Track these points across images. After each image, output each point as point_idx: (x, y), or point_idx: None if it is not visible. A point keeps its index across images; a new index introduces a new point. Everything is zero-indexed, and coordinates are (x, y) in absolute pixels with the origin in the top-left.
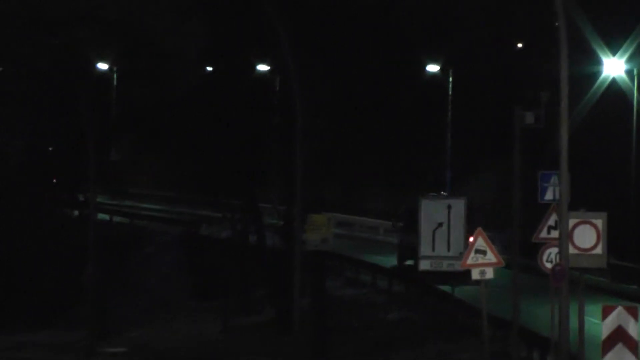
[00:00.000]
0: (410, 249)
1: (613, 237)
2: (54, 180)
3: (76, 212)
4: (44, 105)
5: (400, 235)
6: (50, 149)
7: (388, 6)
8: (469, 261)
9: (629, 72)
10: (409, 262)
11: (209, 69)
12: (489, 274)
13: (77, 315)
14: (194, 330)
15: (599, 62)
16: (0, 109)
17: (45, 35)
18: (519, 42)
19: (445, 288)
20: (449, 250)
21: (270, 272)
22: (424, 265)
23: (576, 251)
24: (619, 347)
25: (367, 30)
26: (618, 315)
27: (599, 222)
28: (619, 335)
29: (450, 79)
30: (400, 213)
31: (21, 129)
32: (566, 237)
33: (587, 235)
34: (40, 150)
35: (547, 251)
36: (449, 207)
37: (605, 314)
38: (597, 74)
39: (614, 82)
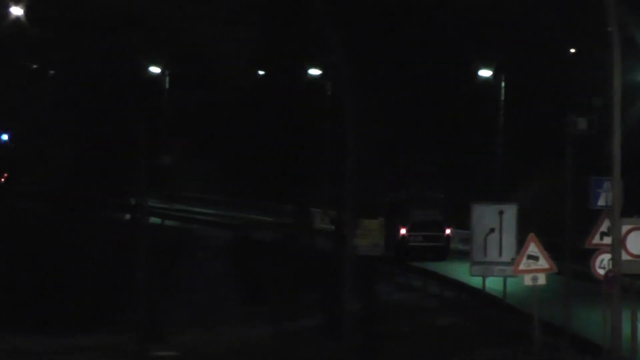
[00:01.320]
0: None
1: None
2: (105, 184)
3: (127, 216)
4: (95, 109)
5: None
6: (101, 153)
7: (441, 10)
8: (521, 267)
9: None
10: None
11: (260, 73)
12: (542, 280)
13: (128, 318)
14: (244, 334)
15: None
16: (51, 113)
17: (97, 40)
18: (572, 48)
19: (497, 293)
20: (500, 255)
21: (321, 277)
22: (475, 271)
23: (629, 257)
24: None
25: (419, 34)
26: None
27: None
28: None
29: (503, 84)
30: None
31: (72, 133)
32: (619, 244)
33: None
34: (91, 154)
35: (600, 257)
36: (501, 212)
37: None
38: None
39: None
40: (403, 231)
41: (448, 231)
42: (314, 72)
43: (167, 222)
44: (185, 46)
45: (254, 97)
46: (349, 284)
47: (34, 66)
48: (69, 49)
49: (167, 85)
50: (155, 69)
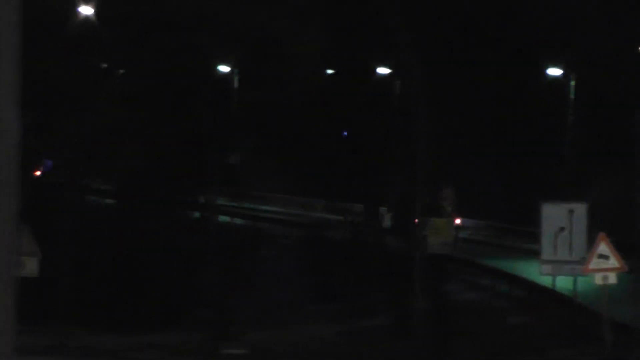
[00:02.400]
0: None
1: None
2: (175, 183)
3: (197, 214)
4: (164, 108)
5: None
6: (171, 151)
7: (510, 9)
8: (592, 266)
9: None
10: None
11: (330, 72)
12: (612, 279)
13: (198, 317)
14: (314, 333)
15: None
16: (121, 112)
17: (166, 39)
18: None
19: (567, 292)
20: (570, 254)
21: (390, 276)
22: (545, 269)
23: None
24: None
25: (488, 33)
26: None
27: None
28: None
29: (572, 83)
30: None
31: (142, 132)
32: None
33: None
34: (161, 153)
35: None
36: (571, 211)
37: None
38: None
39: None
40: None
41: (458, 221)
42: (384, 71)
43: (236, 221)
44: (255, 45)
45: (323, 96)
46: (419, 283)
47: (104, 65)
48: (138, 48)
49: (236, 84)
50: (224, 68)
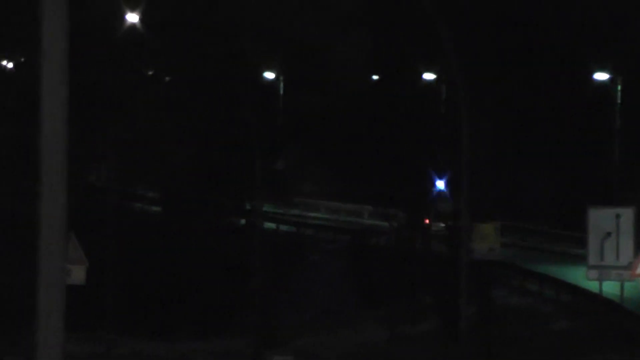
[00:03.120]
0: None
1: None
2: (222, 189)
3: (243, 221)
4: (211, 115)
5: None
6: (217, 157)
7: (556, 13)
8: (639, 271)
9: None
10: None
11: (375, 77)
12: None
13: (244, 323)
14: (360, 338)
15: None
16: (168, 118)
17: (213, 45)
18: None
19: (614, 297)
20: (617, 259)
21: (436, 281)
22: (592, 275)
23: None
24: None
25: (534, 38)
26: None
27: None
28: None
29: (619, 87)
30: None
31: (189, 138)
32: None
33: None
34: (207, 159)
35: None
36: (618, 216)
37: None
38: None
39: None
40: (427, 221)
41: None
42: (429, 76)
43: (282, 227)
44: (301, 51)
45: (368, 102)
46: (465, 288)
47: (150, 72)
48: (185, 55)
49: (281, 90)
50: (270, 74)
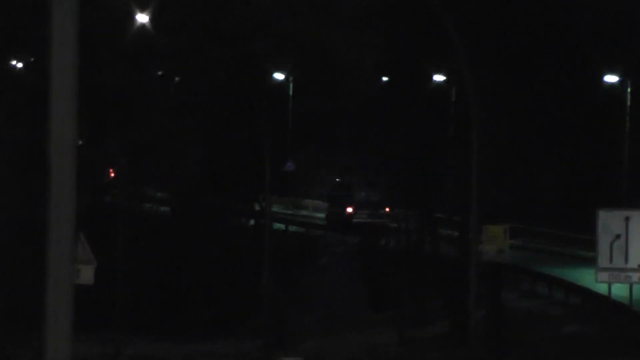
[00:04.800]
0: (334, 216)
1: None
2: (231, 191)
3: (252, 222)
4: (221, 117)
5: (328, 207)
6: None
7: (565, 16)
8: None
9: None
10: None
11: (385, 79)
12: None
13: (254, 325)
14: (370, 341)
15: None
16: (177, 120)
17: (222, 47)
18: None
19: (623, 300)
20: (627, 262)
21: (445, 284)
22: (601, 277)
23: None
24: None
25: (543, 40)
26: None
27: None
28: None
29: (629, 90)
30: (329, 191)
31: (198, 140)
32: None
33: None
34: (217, 161)
35: None
36: (627, 218)
37: None
38: None
39: None
40: (350, 209)
41: (388, 210)
42: (439, 78)
43: (291, 228)
44: (310, 53)
45: (378, 104)
46: (475, 291)
47: (159, 73)
48: (195, 56)
49: (291, 92)
50: (279, 76)
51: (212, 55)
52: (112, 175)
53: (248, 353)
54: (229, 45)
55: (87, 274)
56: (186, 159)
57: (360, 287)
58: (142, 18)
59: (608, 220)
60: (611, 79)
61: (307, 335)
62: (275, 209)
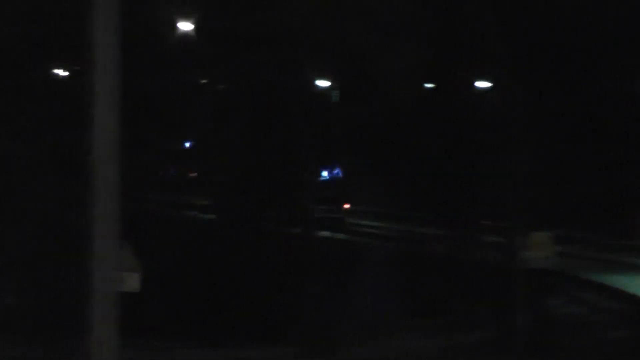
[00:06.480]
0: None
1: None
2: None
3: (297, 229)
4: (264, 124)
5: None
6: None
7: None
8: None
9: None
10: None
11: (428, 86)
12: None
13: (296, 331)
14: (412, 347)
15: None
16: (219, 127)
17: (265, 54)
18: None
19: None
20: None
21: (490, 290)
22: None
23: None
24: None
25: (588, 47)
26: None
27: None
28: None
29: None
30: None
31: (240, 147)
32: None
33: None
34: (260, 168)
35: None
36: None
37: None
38: None
39: None
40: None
41: (347, 206)
42: (483, 84)
43: (336, 235)
44: (353, 59)
45: (422, 110)
46: (520, 297)
47: (202, 81)
48: (237, 63)
49: (334, 99)
50: (322, 83)
51: (253, 62)
52: (157, 181)
53: (289, 358)
54: (271, 51)
55: (132, 281)
56: (230, 166)
57: (404, 293)
58: (185, 26)
59: None
60: None
61: (349, 341)
62: (321, 215)
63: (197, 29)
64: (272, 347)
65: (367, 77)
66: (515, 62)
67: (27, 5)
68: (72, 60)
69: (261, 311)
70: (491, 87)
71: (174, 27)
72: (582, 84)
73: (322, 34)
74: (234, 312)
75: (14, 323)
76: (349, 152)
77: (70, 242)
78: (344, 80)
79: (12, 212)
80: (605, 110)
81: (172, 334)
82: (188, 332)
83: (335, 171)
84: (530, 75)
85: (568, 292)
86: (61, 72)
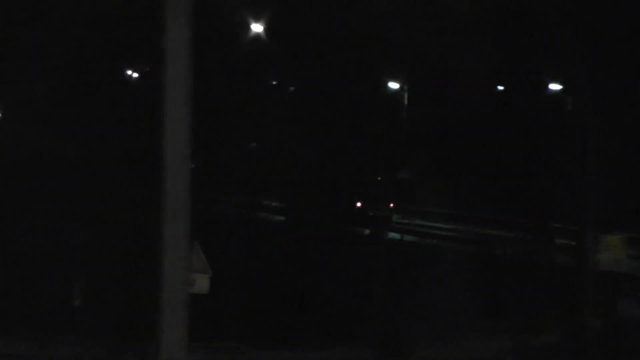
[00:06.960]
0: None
1: None
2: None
3: (367, 231)
4: (336, 125)
5: None
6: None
7: None
8: None
9: None
10: None
11: (500, 88)
12: None
13: (368, 333)
14: (483, 349)
15: None
16: (290, 128)
17: (337, 55)
18: None
19: None
20: None
21: (561, 293)
22: None
23: None
24: None
25: None
26: None
27: None
28: None
29: None
30: None
31: (313, 149)
32: None
33: None
34: (332, 170)
35: None
36: None
37: None
38: None
39: None
40: (359, 204)
41: (392, 205)
42: (555, 86)
43: (407, 238)
44: (425, 61)
45: (493, 112)
46: (590, 300)
47: (274, 82)
48: (309, 65)
49: (405, 101)
50: (394, 85)
51: (326, 63)
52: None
53: None
54: (343, 53)
55: (202, 283)
56: (300, 167)
57: (474, 295)
58: (257, 27)
59: None
60: None
61: (420, 344)
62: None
63: (269, 30)
64: (346, 349)
65: (438, 79)
66: (587, 64)
67: (101, 9)
68: (144, 62)
69: (333, 313)
70: (562, 89)
71: (247, 29)
72: None
73: (394, 36)
74: (306, 313)
75: (82, 324)
76: (418, 154)
77: (141, 243)
78: (415, 82)
79: (84, 214)
80: None
81: (242, 335)
82: (258, 333)
83: (405, 173)
84: (601, 77)
85: (638, 294)
86: (134, 74)
